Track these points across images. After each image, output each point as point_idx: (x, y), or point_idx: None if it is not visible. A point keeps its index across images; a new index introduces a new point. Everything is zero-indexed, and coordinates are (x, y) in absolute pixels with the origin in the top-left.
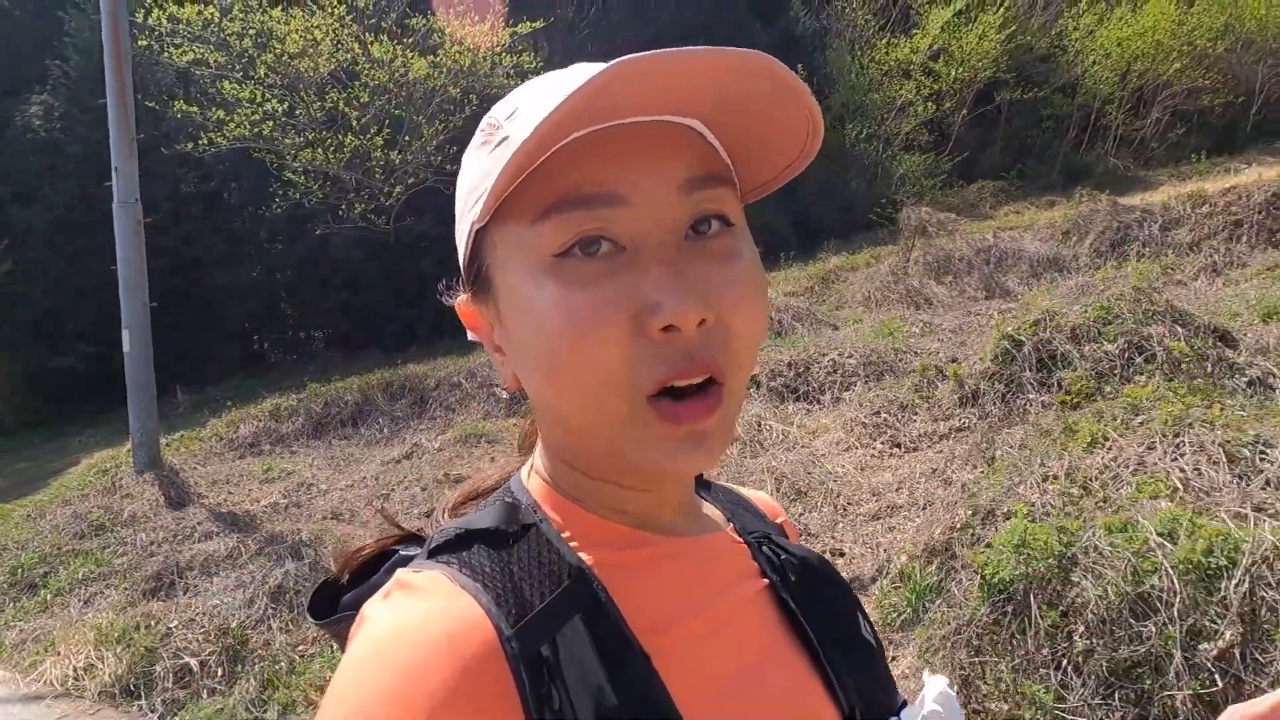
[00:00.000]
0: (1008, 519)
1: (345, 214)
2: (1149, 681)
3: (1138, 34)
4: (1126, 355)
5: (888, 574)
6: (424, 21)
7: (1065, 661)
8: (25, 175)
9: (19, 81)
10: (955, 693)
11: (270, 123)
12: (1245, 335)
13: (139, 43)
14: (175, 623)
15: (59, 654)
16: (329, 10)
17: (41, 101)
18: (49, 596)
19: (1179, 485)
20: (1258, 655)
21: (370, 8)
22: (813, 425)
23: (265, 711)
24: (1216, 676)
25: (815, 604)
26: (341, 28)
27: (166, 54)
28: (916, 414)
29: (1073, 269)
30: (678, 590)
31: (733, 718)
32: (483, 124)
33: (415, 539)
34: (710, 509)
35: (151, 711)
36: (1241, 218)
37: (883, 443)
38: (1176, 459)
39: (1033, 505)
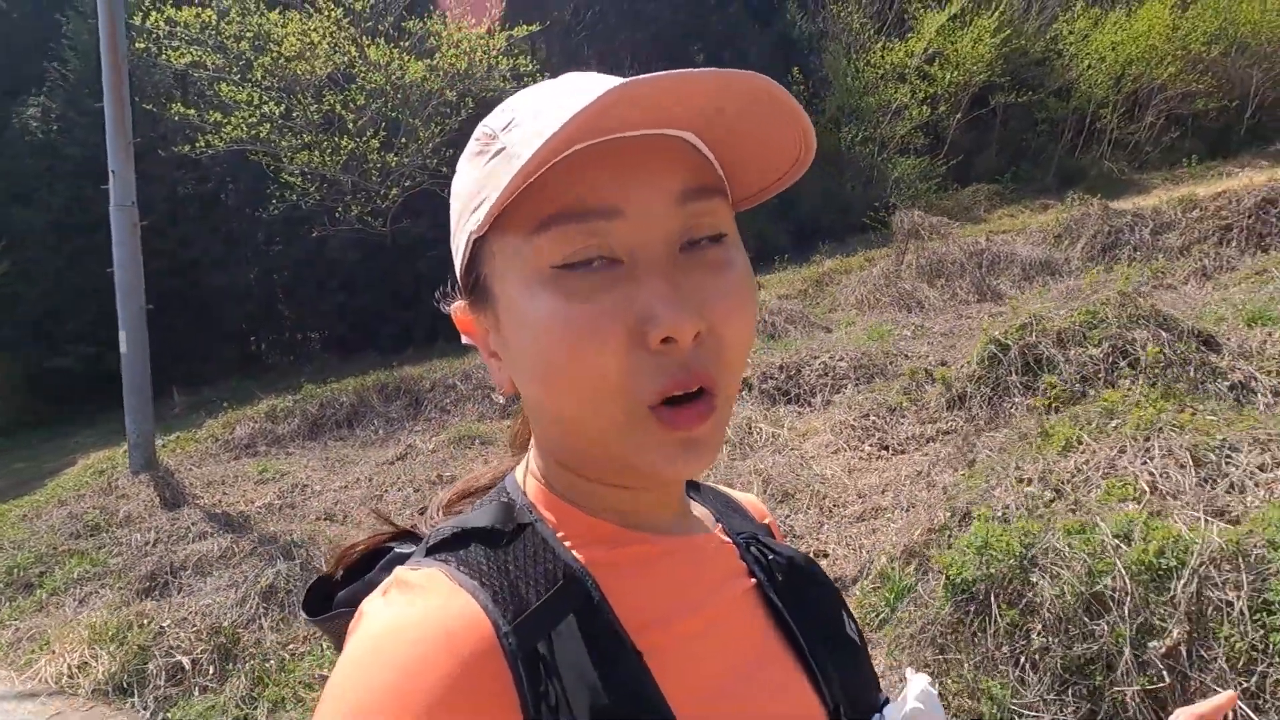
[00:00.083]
0: (1002, 521)
1: (342, 216)
2: (1100, 678)
3: (1132, 38)
4: (1111, 359)
5: (868, 575)
6: (421, 25)
7: (1023, 658)
8: (23, 177)
9: (17, 83)
10: (936, 690)
11: (267, 125)
12: (1229, 340)
13: (136, 45)
14: (168, 621)
15: (54, 652)
16: (326, 13)
17: (39, 104)
18: (45, 596)
19: (1146, 488)
20: (1202, 652)
21: (367, 11)
22: (803, 428)
23: (255, 708)
24: (1164, 673)
25: (802, 603)
26: (338, 31)
27: (164, 56)
28: (904, 417)
29: (1064, 272)
30: (670, 589)
31: (723, 715)
32: (477, 133)
33: (409, 536)
34: (700, 510)
35: (144, 709)
36: (1231, 222)
37: (871, 445)
38: (1146, 463)
39: (1007, 507)
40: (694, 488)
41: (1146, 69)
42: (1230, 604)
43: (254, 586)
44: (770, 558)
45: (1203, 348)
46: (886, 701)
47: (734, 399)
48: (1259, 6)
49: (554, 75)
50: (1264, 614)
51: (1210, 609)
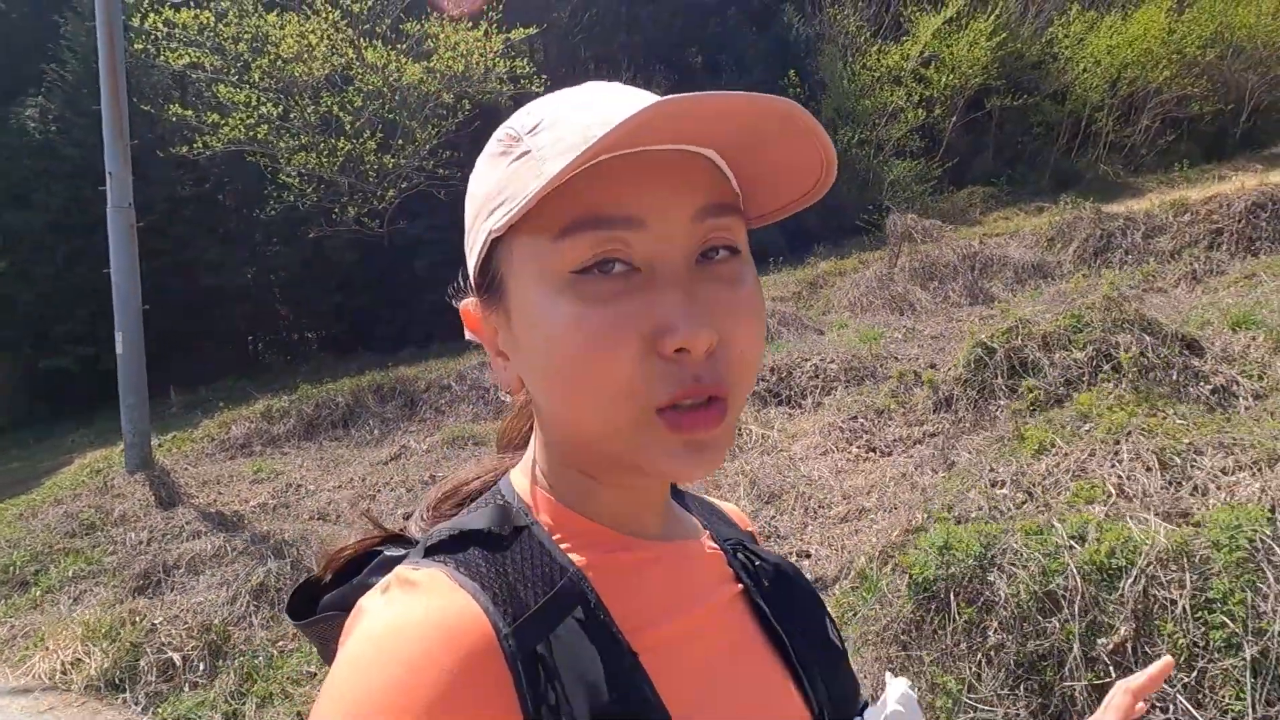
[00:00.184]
0: (959, 522)
1: (339, 217)
2: (1051, 674)
3: (1128, 42)
4: (1095, 363)
5: (848, 575)
6: (418, 27)
7: (979, 655)
8: (21, 178)
9: (15, 84)
10: (916, 694)
11: (265, 126)
12: (1214, 343)
13: (135, 46)
14: (160, 619)
15: (48, 649)
16: (324, 15)
17: (37, 104)
18: (39, 594)
19: (1113, 491)
20: (1147, 649)
21: (365, 13)
22: (793, 429)
23: (244, 704)
24: (1111, 669)
25: (787, 608)
26: (336, 33)
27: (162, 57)
28: (892, 419)
29: (1057, 275)
30: (661, 593)
31: (714, 717)
32: (500, 134)
33: (398, 540)
34: (688, 517)
35: (135, 704)
36: (1222, 226)
37: (858, 447)
38: (1115, 466)
39: (981, 509)
40: (680, 496)
41: (1142, 72)
42: (1174, 602)
43: (245, 584)
44: (756, 564)
45: (1186, 351)
46: (866, 705)
47: (741, 408)
48: (1254, 10)
49: (551, 78)
50: (1205, 612)
51: (1156, 607)
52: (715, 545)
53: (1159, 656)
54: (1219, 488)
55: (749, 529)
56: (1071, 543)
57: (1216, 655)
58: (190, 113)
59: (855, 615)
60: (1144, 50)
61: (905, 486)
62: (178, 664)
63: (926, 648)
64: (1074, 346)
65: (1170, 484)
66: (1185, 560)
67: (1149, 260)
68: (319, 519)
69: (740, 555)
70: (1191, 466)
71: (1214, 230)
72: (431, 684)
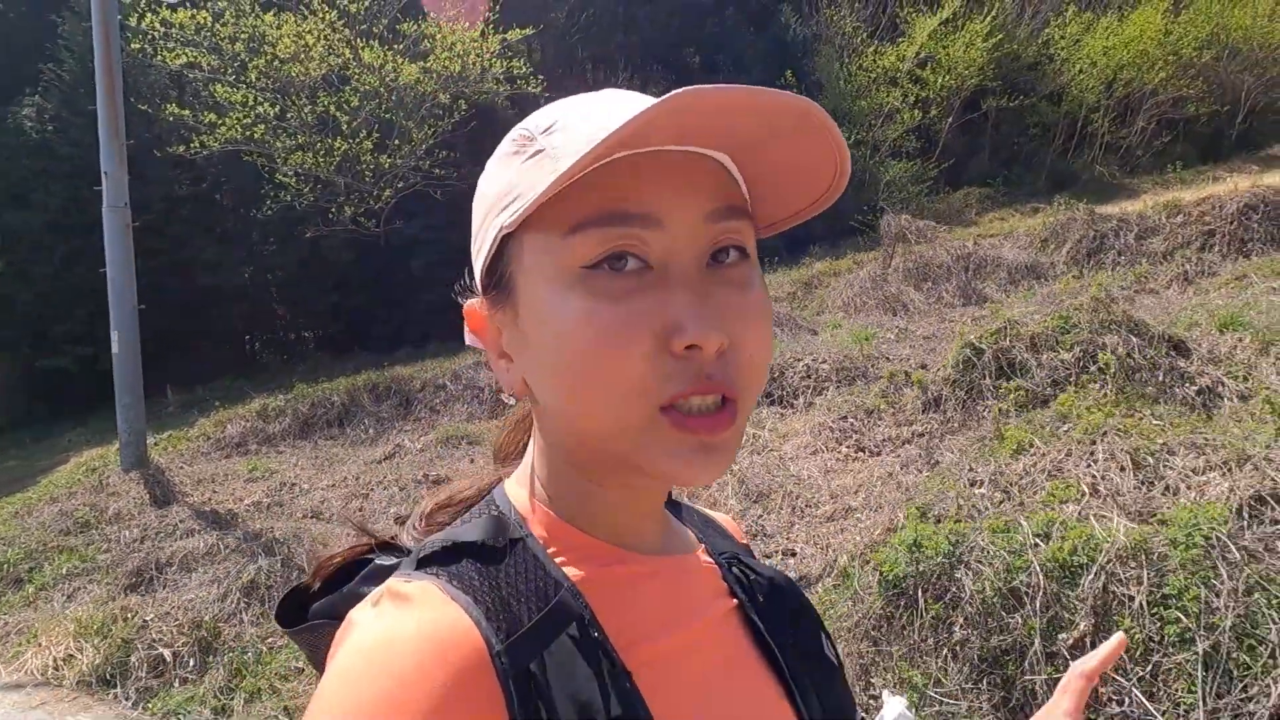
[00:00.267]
0: (938, 521)
1: (336, 217)
2: (1013, 668)
3: (1124, 43)
4: (1082, 364)
5: (831, 573)
6: (415, 27)
7: (945, 650)
8: (18, 178)
9: (12, 84)
10: (913, 715)
11: (262, 126)
12: (1200, 345)
13: (132, 46)
14: (151, 615)
15: (40, 645)
16: (320, 15)
17: (34, 104)
18: (33, 591)
19: (1087, 490)
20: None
21: (362, 13)
22: (784, 429)
23: (232, 699)
24: (1070, 663)
25: (781, 624)
26: (333, 33)
27: (159, 57)
28: (882, 419)
29: (1050, 276)
30: (657, 608)
31: None
32: (514, 134)
33: (388, 547)
34: (683, 530)
35: (126, 699)
36: (1214, 227)
37: (848, 447)
38: (1090, 465)
39: (959, 507)
40: (675, 508)
41: (1138, 74)
42: (1132, 598)
43: (235, 582)
44: (752, 578)
45: (1172, 353)
46: None
47: (749, 413)
48: (1250, 12)
49: (548, 79)
50: (1160, 607)
51: (1114, 603)
52: (710, 559)
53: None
54: (1189, 487)
55: (743, 542)
56: (1036, 540)
57: (1171, 649)
58: (187, 112)
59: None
60: (1140, 52)
61: (891, 486)
62: (168, 660)
63: (896, 643)
64: (1061, 348)
65: (1143, 483)
66: (1144, 557)
67: (1141, 261)
68: (312, 517)
69: (735, 569)
70: (1164, 466)
71: (1206, 232)
72: (423, 698)
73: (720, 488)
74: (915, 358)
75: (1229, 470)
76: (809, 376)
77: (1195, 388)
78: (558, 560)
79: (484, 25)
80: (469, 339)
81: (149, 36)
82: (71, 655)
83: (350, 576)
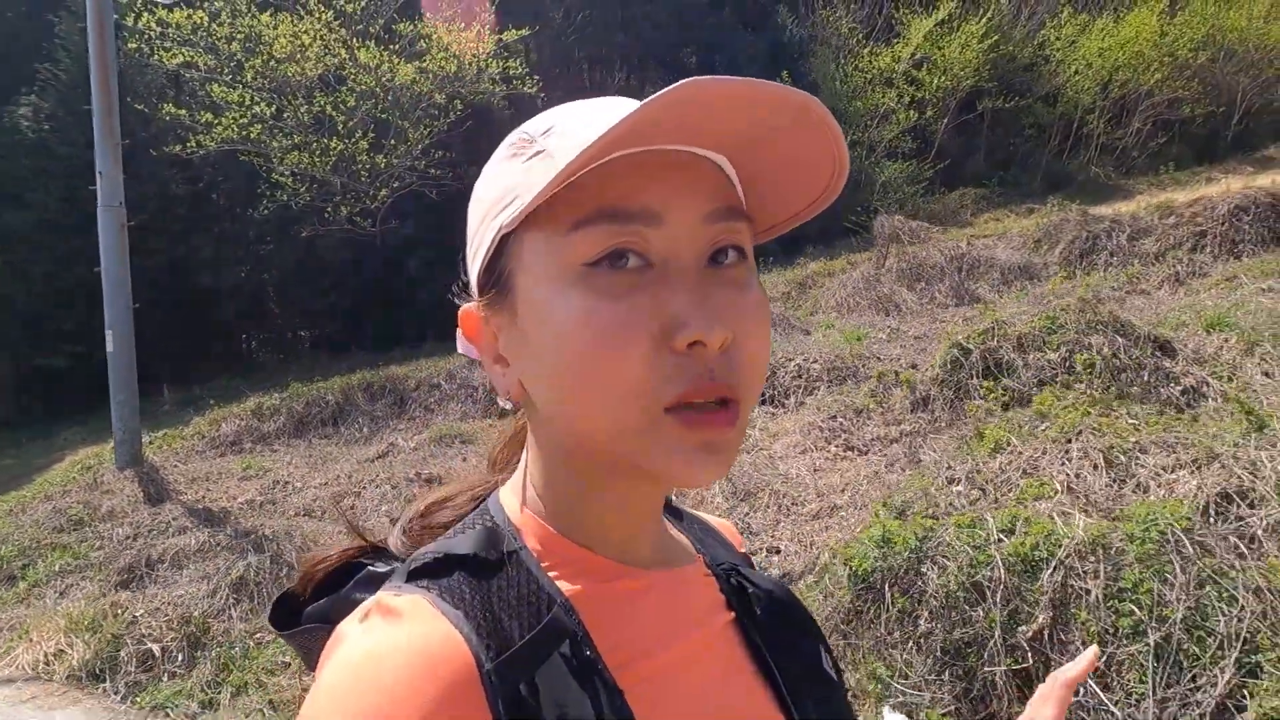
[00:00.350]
0: (901, 515)
1: (332, 216)
2: (974, 659)
3: (1119, 44)
4: (1067, 364)
5: (813, 570)
6: (411, 27)
7: (910, 642)
8: (14, 177)
9: (9, 83)
10: None
11: (258, 126)
12: (1187, 345)
13: (129, 45)
14: (142, 611)
15: (31, 641)
16: (317, 15)
17: (31, 103)
18: (26, 588)
19: (1060, 488)
20: (1062, 635)
21: (358, 13)
22: (774, 428)
23: (219, 693)
24: (1029, 654)
25: (779, 637)
26: (329, 33)
27: (156, 57)
28: (870, 418)
29: (1043, 277)
30: (652, 624)
31: None
32: (512, 138)
33: (379, 551)
34: (682, 539)
35: (114, 693)
36: (1206, 228)
37: (836, 446)
38: (1065, 464)
39: (937, 505)
40: (676, 515)
41: (1133, 75)
42: (1089, 591)
43: (225, 578)
44: (750, 591)
45: (1158, 353)
46: None
47: (751, 413)
48: (1245, 13)
49: (545, 79)
50: (1116, 600)
51: (1072, 596)
52: (709, 570)
53: (1073, 643)
54: (1159, 485)
55: (743, 551)
56: (1001, 536)
57: (1124, 641)
58: (184, 112)
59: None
60: (1135, 53)
61: (877, 485)
62: (157, 655)
63: (864, 636)
64: (1048, 348)
65: (1114, 481)
66: (1102, 552)
67: (1134, 262)
68: (304, 515)
69: (734, 581)
70: (1135, 465)
71: (1198, 233)
72: (412, 714)
73: (707, 486)
74: (906, 358)
75: (1198, 468)
76: (800, 376)
77: (1180, 388)
78: (552, 574)
79: (480, 26)
80: (461, 346)
81: (145, 36)
82: (62, 650)
83: (345, 578)
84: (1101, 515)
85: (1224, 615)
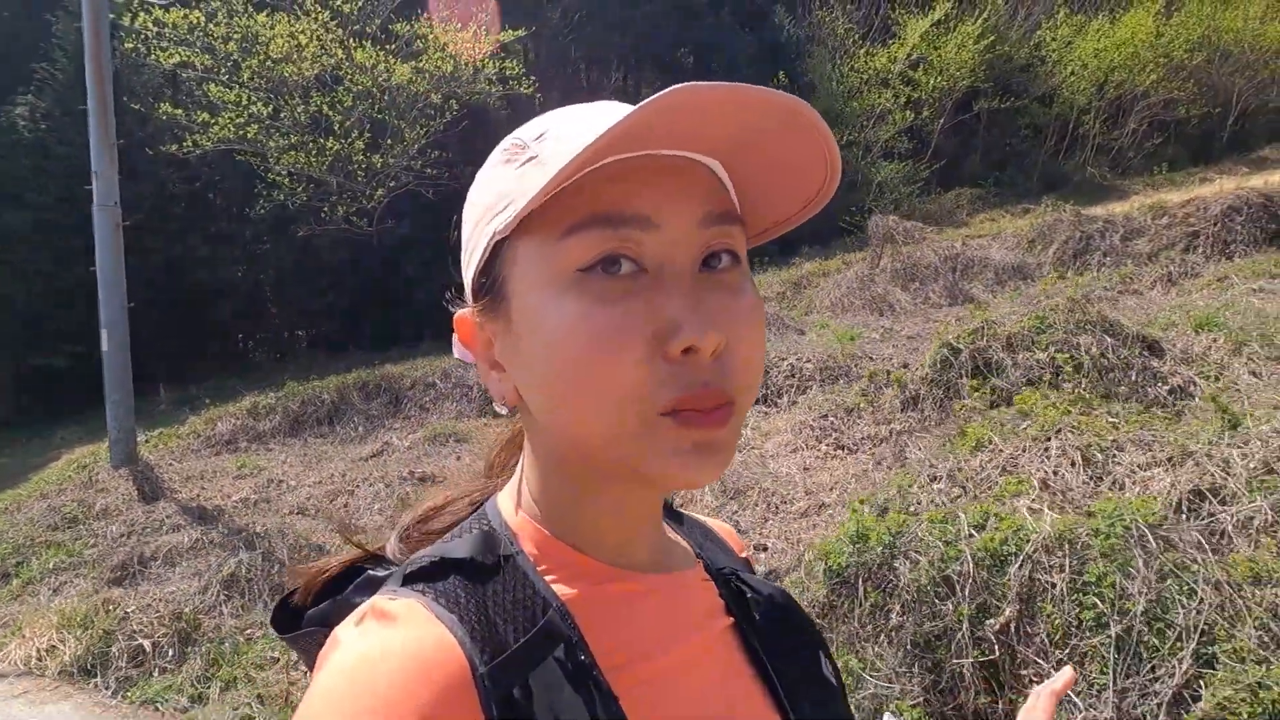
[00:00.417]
0: (884, 512)
1: (328, 216)
2: (943, 652)
3: (1115, 45)
4: (1056, 363)
5: (798, 567)
6: (408, 28)
7: (882, 635)
8: (11, 176)
9: (7, 83)
10: None
11: (255, 125)
12: (1175, 345)
13: (125, 45)
14: (133, 608)
15: (24, 637)
16: (313, 16)
17: (28, 103)
18: (20, 585)
19: (1038, 485)
20: (1028, 628)
21: (355, 14)
22: (767, 428)
23: (209, 688)
24: (995, 647)
25: (778, 642)
26: (326, 33)
27: (153, 57)
28: (861, 417)
29: (1037, 277)
30: (649, 628)
31: None
32: (505, 144)
33: (379, 557)
34: (682, 542)
35: (105, 688)
36: (1199, 229)
37: (827, 445)
38: (1044, 461)
39: (919, 502)
40: (676, 519)
41: (1129, 76)
42: (1054, 584)
43: (216, 575)
44: (749, 595)
45: (1146, 352)
46: None
47: (745, 415)
48: (1241, 14)
49: (541, 80)
50: (1079, 594)
51: (1038, 590)
52: (708, 575)
53: (1038, 635)
54: (1134, 482)
55: (743, 555)
56: (972, 531)
57: (1087, 633)
58: (180, 111)
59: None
60: (1131, 54)
61: (865, 483)
62: (148, 650)
63: (837, 630)
64: (1036, 347)
65: (1091, 479)
66: (1068, 547)
67: (1127, 262)
68: (298, 513)
69: (733, 585)
70: (1112, 462)
71: (1190, 233)
72: (406, 717)
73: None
74: (898, 357)
75: (1173, 466)
76: (793, 376)
77: (1167, 387)
78: (548, 578)
79: (478, 27)
80: (458, 351)
81: (142, 36)
82: (54, 646)
83: (345, 582)
84: (1076, 511)
85: (1183, 608)
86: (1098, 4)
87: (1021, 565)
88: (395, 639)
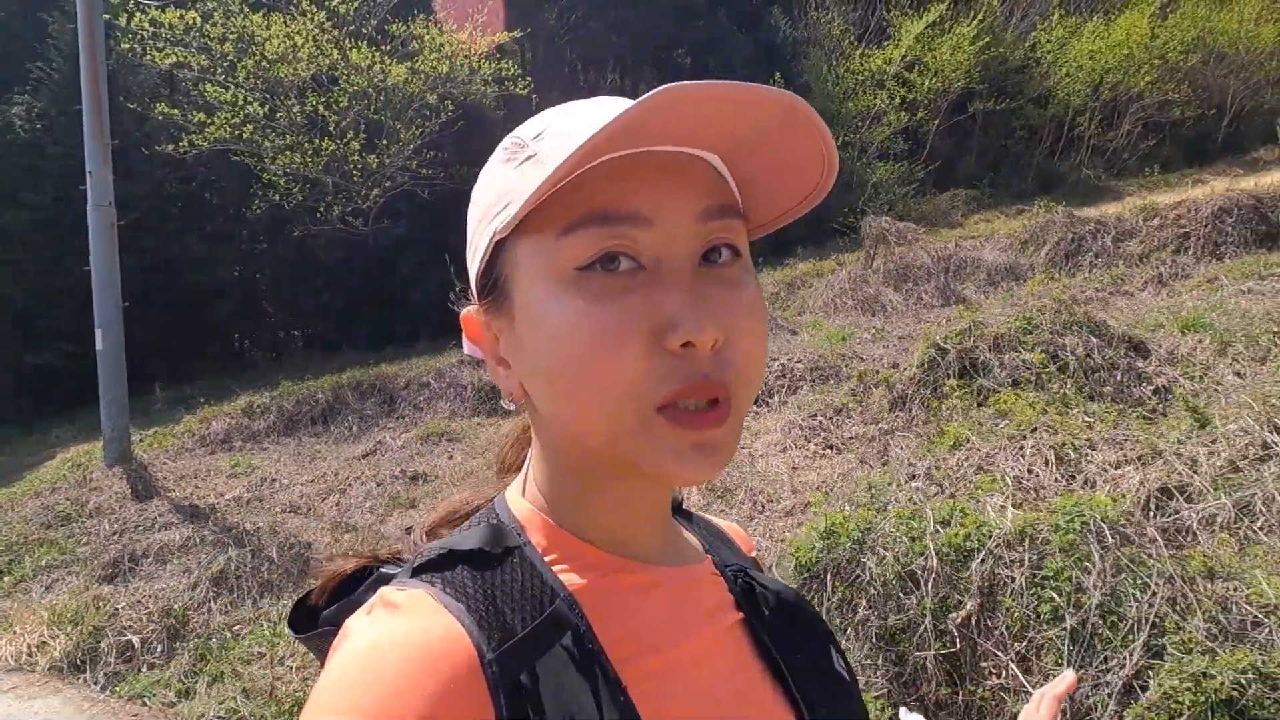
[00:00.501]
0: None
1: (324, 216)
2: (906, 644)
3: (1110, 47)
4: (1042, 363)
5: (778, 564)
6: (404, 28)
7: (849, 629)
8: (7, 176)
9: (2, 83)
10: None
11: (251, 126)
12: (1161, 346)
13: (122, 45)
14: (123, 604)
15: (14, 633)
16: (309, 16)
17: (24, 103)
18: (12, 582)
19: (1012, 484)
20: (988, 621)
21: (351, 14)
22: (757, 427)
23: (196, 683)
24: (957, 639)
25: (788, 638)
26: (321, 34)
27: (149, 57)
28: (850, 417)
29: (1029, 278)
30: (658, 620)
31: None
32: (505, 143)
33: (398, 560)
34: (689, 541)
35: (95, 683)
36: (1189, 230)
37: (816, 444)
38: (1019, 460)
39: (898, 500)
40: (686, 517)
41: (1124, 77)
42: (1014, 579)
43: (206, 572)
44: (758, 591)
45: (1131, 353)
46: None
47: (747, 411)
48: (1236, 16)
49: (538, 80)
50: (1038, 588)
51: (999, 584)
52: (716, 571)
53: (997, 628)
54: (1105, 480)
55: (751, 554)
56: (937, 527)
57: (1044, 626)
58: (177, 111)
59: None
60: (1126, 55)
61: (850, 482)
62: (137, 646)
63: None
64: (1023, 348)
65: (1064, 477)
66: (1028, 542)
67: (1118, 263)
68: (290, 511)
69: (742, 582)
70: (1085, 461)
71: (1181, 235)
72: (413, 707)
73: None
74: (888, 357)
75: (1143, 464)
76: (784, 376)
77: (1152, 387)
78: (556, 569)
79: (474, 29)
80: (467, 348)
81: (138, 36)
82: (45, 642)
83: (359, 583)
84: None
85: (1136, 601)
86: (1093, 5)
87: (983, 560)
88: (402, 628)
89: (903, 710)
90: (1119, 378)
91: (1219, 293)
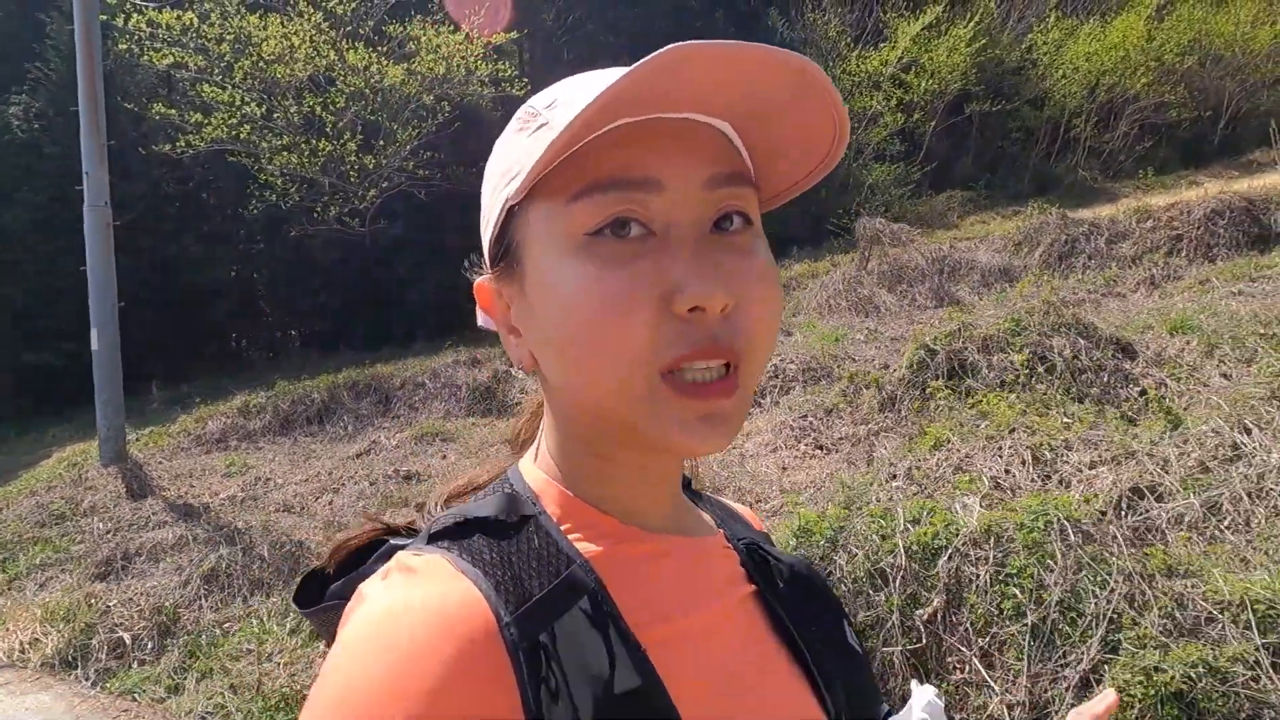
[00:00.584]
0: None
1: (321, 216)
2: (874, 640)
3: (1106, 49)
4: (1030, 365)
5: None
6: (401, 29)
7: None
8: (4, 176)
9: (2, 83)
10: (943, 703)
11: (248, 126)
12: (1149, 347)
13: (119, 46)
14: (115, 601)
15: (7, 630)
16: (306, 17)
17: (21, 103)
18: (6, 580)
19: (989, 483)
20: (954, 618)
21: (348, 15)
22: (748, 428)
23: (185, 679)
24: (923, 635)
25: (802, 611)
26: (318, 34)
27: (146, 57)
28: (840, 418)
29: (1022, 279)
30: (672, 588)
31: (724, 716)
32: (520, 113)
33: (408, 532)
34: (701, 514)
35: (86, 679)
36: (1182, 232)
37: (806, 445)
38: (997, 460)
39: (879, 499)
40: (696, 496)
41: (1120, 79)
42: (979, 576)
43: (197, 570)
44: (772, 564)
45: (1119, 355)
46: (889, 712)
47: (757, 381)
48: (1232, 18)
49: (534, 81)
50: (1002, 585)
51: (965, 581)
52: (729, 545)
53: (962, 624)
54: (1080, 480)
55: (762, 529)
56: (907, 525)
57: (1007, 622)
58: (174, 112)
59: None
60: (1122, 57)
61: (837, 483)
62: (128, 643)
63: None
64: (1012, 349)
65: (1040, 477)
66: (994, 540)
67: (1111, 265)
68: (283, 511)
69: (755, 555)
70: (1060, 461)
71: (1174, 236)
72: (430, 672)
73: None
74: (880, 358)
75: (1116, 465)
76: (776, 376)
77: (1139, 389)
78: (571, 537)
79: (469, 28)
80: (481, 319)
81: (136, 37)
82: (37, 639)
83: (367, 559)
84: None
85: (1095, 598)
86: (1089, 8)
87: (950, 558)
88: (419, 593)
89: (914, 682)
90: (1105, 379)
91: (1210, 294)
